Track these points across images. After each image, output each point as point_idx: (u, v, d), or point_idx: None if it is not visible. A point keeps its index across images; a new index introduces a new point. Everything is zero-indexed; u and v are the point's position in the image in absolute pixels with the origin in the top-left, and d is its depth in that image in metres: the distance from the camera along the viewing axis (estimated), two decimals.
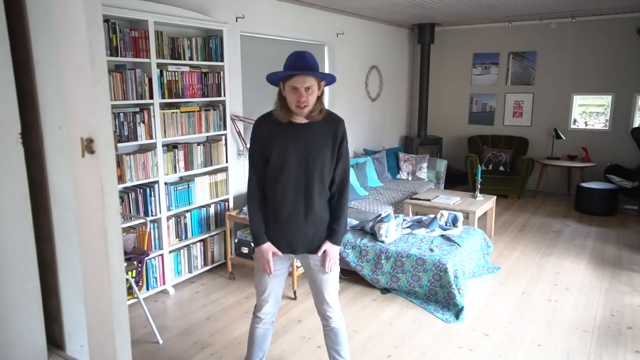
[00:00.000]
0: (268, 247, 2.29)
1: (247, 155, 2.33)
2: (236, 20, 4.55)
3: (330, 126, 2.24)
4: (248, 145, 4.78)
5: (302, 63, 2.12)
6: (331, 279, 2.36)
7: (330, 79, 2.25)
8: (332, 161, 2.24)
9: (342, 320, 2.48)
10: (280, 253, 2.31)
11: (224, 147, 4.33)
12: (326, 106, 2.33)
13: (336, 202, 2.31)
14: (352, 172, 5.62)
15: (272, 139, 2.21)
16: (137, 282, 3.17)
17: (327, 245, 2.29)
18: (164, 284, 3.93)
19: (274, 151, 2.20)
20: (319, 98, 2.21)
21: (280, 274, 2.38)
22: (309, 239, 2.28)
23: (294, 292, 3.84)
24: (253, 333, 2.48)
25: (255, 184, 2.28)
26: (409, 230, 4.25)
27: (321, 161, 2.21)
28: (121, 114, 3.43)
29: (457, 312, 3.52)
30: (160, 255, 3.86)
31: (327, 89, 2.38)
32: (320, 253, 2.30)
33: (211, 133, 4.18)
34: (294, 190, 2.21)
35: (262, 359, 2.56)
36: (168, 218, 3.90)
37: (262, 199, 2.30)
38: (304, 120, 2.21)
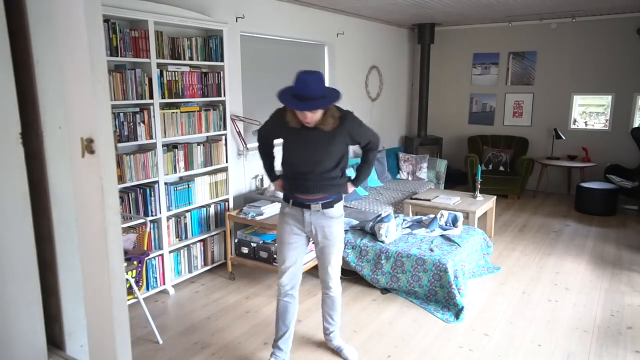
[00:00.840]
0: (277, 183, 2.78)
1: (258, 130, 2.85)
2: (236, 20, 4.55)
3: (339, 127, 2.46)
4: (248, 145, 4.78)
5: (305, 92, 2.28)
6: (336, 254, 2.74)
7: (335, 100, 2.41)
8: (343, 153, 2.57)
9: (340, 290, 2.87)
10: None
11: (224, 147, 4.33)
12: None
13: (363, 157, 2.81)
14: (352, 172, 5.61)
15: (284, 134, 2.54)
16: (137, 282, 3.17)
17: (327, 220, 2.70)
18: (164, 284, 3.93)
19: (284, 144, 2.57)
20: (327, 109, 2.42)
21: (298, 246, 2.70)
22: (313, 195, 2.60)
23: None
24: (277, 306, 2.78)
25: (262, 150, 2.83)
26: (409, 230, 4.25)
27: (328, 159, 2.50)
28: (121, 114, 3.43)
29: (457, 312, 3.52)
30: (160, 255, 3.86)
31: None
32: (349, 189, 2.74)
33: (211, 133, 4.18)
34: (300, 172, 2.54)
35: (285, 334, 2.78)
36: (168, 218, 3.90)
37: (269, 157, 2.85)
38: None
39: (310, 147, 2.49)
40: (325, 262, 2.77)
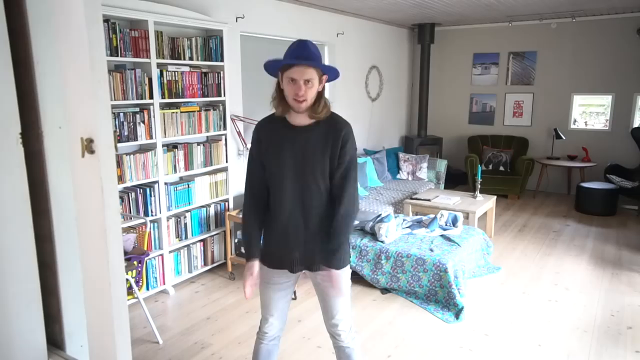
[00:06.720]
0: (252, 265, 2.06)
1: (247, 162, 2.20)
2: (236, 20, 4.55)
3: (331, 130, 2.02)
4: (248, 145, 4.78)
5: (303, 52, 1.92)
6: (340, 299, 2.14)
7: (333, 74, 2.03)
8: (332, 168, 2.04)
9: (355, 340, 2.23)
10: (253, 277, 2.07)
11: (224, 147, 4.33)
12: None
13: (334, 218, 2.01)
14: None
15: (269, 143, 2.05)
16: (137, 282, 3.17)
17: (327, 271, 2.05)
18: (164, 284, 3.93)
19: (270, 155, 2.03)
20: (321, 94, 2.02)
21: (285, 287, 2.19)
22: (309, 254, 2.06)
23: (294, 292, 3.84)
24: (257, 350, 2.24)
25: (250, 194, 2.10)
26: (409, 230, 4.25)
27: (319, 166, 2.00)
28: (121, 114, 3.43)
29: (457, 312, 3.52)
30: (160, 255, 3.86)
31: (327, 89, 2.22)
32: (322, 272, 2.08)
33: (211, 133, 4.18)
34: (291, 199, 2.01)
35: None
36: (168, 218, 3.90)
37: (259, 209, 2.11)
38: (305, 123, 2.02)
39: (297, 145, 2.02)
40: (328, 308, 2.17)
